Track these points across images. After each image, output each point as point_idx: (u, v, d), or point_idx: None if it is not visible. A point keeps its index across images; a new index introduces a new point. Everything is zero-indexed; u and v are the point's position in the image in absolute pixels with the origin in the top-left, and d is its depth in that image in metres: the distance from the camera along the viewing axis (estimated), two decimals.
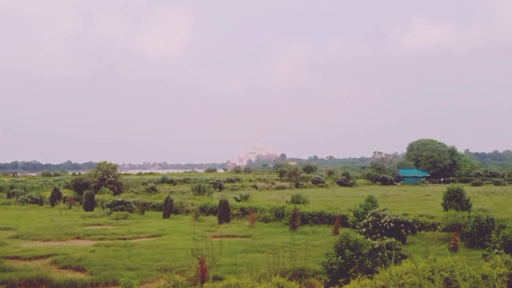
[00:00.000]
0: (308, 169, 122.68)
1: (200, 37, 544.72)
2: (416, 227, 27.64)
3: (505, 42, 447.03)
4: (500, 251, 15.92)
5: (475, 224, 24.20)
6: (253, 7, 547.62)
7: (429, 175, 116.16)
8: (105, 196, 52.97)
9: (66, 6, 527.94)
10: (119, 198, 47.34)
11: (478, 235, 23.80)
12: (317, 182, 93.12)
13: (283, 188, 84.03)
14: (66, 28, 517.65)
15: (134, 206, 42.78)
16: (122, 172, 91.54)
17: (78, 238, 28.23)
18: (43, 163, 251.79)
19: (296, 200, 41.12)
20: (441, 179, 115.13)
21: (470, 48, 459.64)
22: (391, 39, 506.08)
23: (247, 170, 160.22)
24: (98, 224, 34.37)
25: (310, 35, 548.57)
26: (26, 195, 56.42)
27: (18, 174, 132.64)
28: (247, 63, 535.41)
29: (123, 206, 42.71)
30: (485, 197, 57.92)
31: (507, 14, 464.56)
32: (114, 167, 67.78)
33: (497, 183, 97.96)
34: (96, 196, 48.42)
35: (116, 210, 41.46)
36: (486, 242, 21.52)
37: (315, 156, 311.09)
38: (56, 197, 51.63)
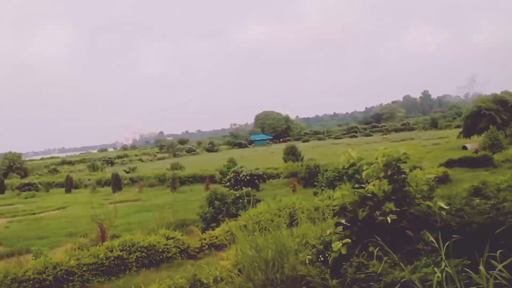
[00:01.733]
0: (182, 142, 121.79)
1: (80, 43, 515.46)
2: (266, 177, 28.57)
3: (314, 35, 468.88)
4: (325, 188, 16.94)
5: (307, 170, 25.49)
6: (119, 15, 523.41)
7: (272, 137, 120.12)
8: (14, 180, 48.65)
9: None
10: (26, 180, 43.95)
11: (309, 178, 25.08)
12: (190, 151, 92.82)
13: (163, 158, 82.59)
14: None
15: (40, 186, 39.90)
16: (27, 159, 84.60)
17: None
18: None
19: (174, 167, 40.74)
20: (281, 140, 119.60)
21: (291, 40, 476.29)
22: (232, 36, 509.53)
23: (133, 147, 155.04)
24: (10, 204, 31.64)
25: (169, 37, 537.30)
26: None
27: None
28: (119, 60, 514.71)
29: (30, 186, 39.71)
30: (312, 150, 61.05)
31: (314, 14, 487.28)
32: (19, 156, 63.08)
33: (319, 139, 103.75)
34: (6, 181, 44.42)
35: (24, 191, 38.39)
36: (315, 183, 22.76)
37: (186, 131, 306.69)
38: None
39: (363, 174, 4.91)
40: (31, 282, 9.59)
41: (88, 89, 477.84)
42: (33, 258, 11.28)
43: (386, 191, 4.59)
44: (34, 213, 25.31)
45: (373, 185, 4.64)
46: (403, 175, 4.74)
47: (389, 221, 4.24)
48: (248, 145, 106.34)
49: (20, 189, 39.77)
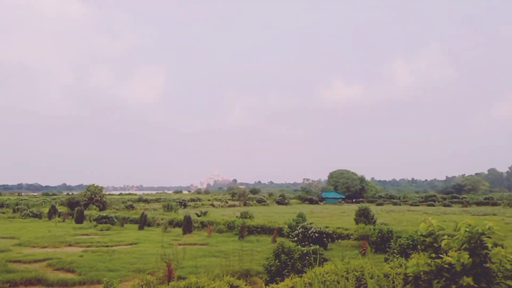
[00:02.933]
0: (254, 191, 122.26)
1: (171, 88, 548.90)
2: (335, 236, 27.83)
3: (400, 99, 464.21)
4: (397, 256, 16.18)
5: (379, 234, 24.57)
6: (213, 67, 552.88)
7: (344, 196, 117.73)
8: (92, 212, 51.18)
9: (64, 60, 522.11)
10: (103, 213, 46.01)
11: (381, 243, 24.14)
12: (260, 201, 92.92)
13: (234, 206, 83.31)
14: (66, 78, 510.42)
15: (115, 220, 41.57)
16: (107, 193, 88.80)
17: (69, 245, 27.16)
18: (43, 184, 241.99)
19: (244, 215, 40.93)
20: (354, 200, 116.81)
21: (375, 103, 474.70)
22: (316, 93, 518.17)
23: (206, 192, 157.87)
24: (86, 234, 33.19)
25: (256, 89, 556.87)
26: (28, 211, 54.10)
27: (22, 194, 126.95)
28: (207, 108, 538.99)
29: (107, 220, 41.48)
30: (386, 214, 58.95)
31: (402, 78, 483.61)
32: (100, 189, 66.11)
33: (395, 204, 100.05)
34: (85, 212, 46.80)
35: (101, 223, 40.18)
36: (387, 248, 21.84)
37: (259, 181, 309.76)
38: (52, 212, 49.63)
39: (443, 243, 4.71)
40: None
41: (171, 132, 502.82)
42: None
43: (465, 264, 4.35)
44: (107, 246, 26.30)
45: (452, 256, 4.43)
46: (485, 250, 4.49)
47: None
48: (319, 202, 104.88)
49: (97, 221, 41.67)
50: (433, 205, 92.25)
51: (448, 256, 4.46)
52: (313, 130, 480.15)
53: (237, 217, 41.50)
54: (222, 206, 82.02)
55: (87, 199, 61.80)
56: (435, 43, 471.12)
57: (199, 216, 44.72)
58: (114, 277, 14.89)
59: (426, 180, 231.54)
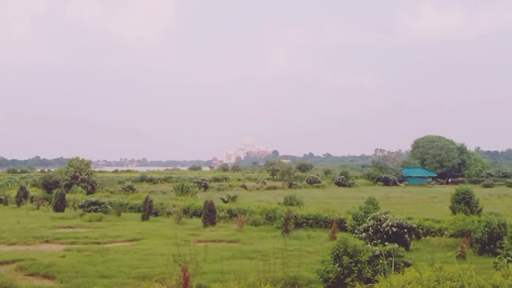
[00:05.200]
0: (303, 167, 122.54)
1: (182, 21, 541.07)
2: (421, 232, 27.72)
3: None
4: None
5: (486, 229, 24.26)
6: None
7: (436, 175, 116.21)
8: (77, 195, 52.48)
9: None
10: (93, 198, 47.16)
11: (489, 241, 23.84)
12: (312, 182, 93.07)
13: (275, 188, 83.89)
14: (33, 7, 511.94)
15: (109, 207, 42.63)
16: (97, 169, 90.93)
17: (47, 242, 28.03)
18: (8, 158, 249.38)
19: (289, 201, 41.13)
20: (449, 180, 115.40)
21: (481, 36, 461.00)
22: (394, 24, 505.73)
23: (235, 169, 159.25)
24: (69, 227, 34.18)
25: (305, 19, 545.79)
26: None
27: None
28: (234, 51, 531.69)
29: (97, 207, 42.54)
30: (497, 200, 57.99)
31: None
32: (88, 164, 67.24)
33: (510, 185, 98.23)
34: (67, 196, 48.12)
35: (89, 211, 41.28)
36: (498, 249, 21.56)
37: (310, 154, 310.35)
38: (22, 197, 51.23)
39: None
40: None
41: (183, 84, 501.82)
42: None
43: None
44: (98, 243, 27.05)
45: None
46: None
47: None
48: (399, 183, 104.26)
49: (84, 208, 42.79)
50: None
51: None
52: (389, 77, 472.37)
53: (279, 203, 41.79)
54: (258, 189, 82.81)
55: (69, 178, 63.31)
56: None
57: (226, 202, 45.32)
58: (109, 285, 15.41)
59: None
